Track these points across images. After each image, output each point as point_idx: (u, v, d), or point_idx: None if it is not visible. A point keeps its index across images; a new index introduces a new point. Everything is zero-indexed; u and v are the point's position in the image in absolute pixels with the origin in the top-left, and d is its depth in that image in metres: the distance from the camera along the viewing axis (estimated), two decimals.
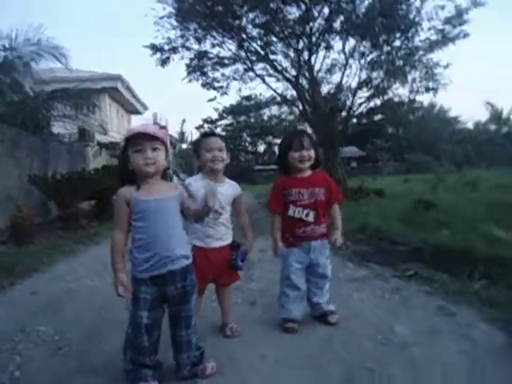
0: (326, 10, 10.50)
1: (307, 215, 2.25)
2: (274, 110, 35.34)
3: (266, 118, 38.24)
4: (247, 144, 41.33)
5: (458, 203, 6.29)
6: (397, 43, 10.75)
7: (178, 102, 56.33)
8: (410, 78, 11.86)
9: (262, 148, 41.91)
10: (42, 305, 3.03)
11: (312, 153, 2.28)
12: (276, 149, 41.97)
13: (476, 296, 2.52)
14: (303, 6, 10.37)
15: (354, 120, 14.92)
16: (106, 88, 17.86)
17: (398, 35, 10.32)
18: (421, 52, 11.02)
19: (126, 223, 1.65)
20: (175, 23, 10.22)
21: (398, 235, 4.60)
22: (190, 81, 11.59)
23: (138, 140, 1.60)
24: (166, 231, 1.62)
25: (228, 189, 2.19)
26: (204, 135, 2.26)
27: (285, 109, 28.18)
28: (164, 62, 10.58)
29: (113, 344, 2.15)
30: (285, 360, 1.88)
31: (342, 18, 10.61)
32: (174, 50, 10.55)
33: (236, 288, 2.98)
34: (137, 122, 24.21)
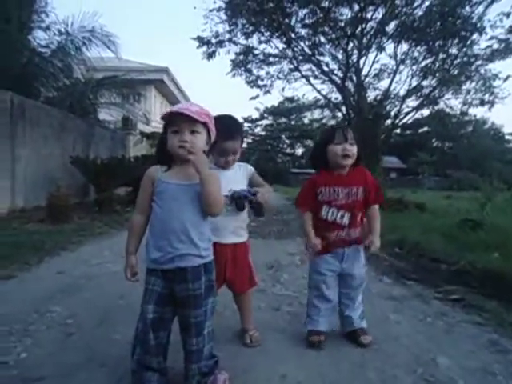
0: (381, 12, 10.08)
1: (342, 217, 1.98)
2: (316, 113, 34.82)
3: (306, 121, 37.83)
4: (285, 146, 41.07)
5: (510, 225, 5.74)
6: (454, 50, 10.15)
7: (221, 98, 57.12)
8: (464, 88, 11.20)
9: (299, 151, 41.52)
10: (63, 286, 2.99)
11: (355, 149, 1.99)
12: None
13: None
14: (356, 7, 10.02)
15: (398, 130, 14.28)
16: (152, 79, 18.30)
17: (456, 41, 9.71)
18: (479, 62, 10.33)
19: (146, 204, 1.52)
20: (224, 17, 10.20)
21: (440, 253, 4.22)
22: (234, 75, 11.55)
23: (176, 120, 1.45)
24: (180, 221, 1.45)
25: (237, 172, 1.95)
26: (220, 131, 1.64)
27: (327, 113, 27.64)
28: (210, 56, 10.59)
29: (125, 335, 2.02)
30: None
31: (396, 21, 10.15)
32: (220, 43, 10.53)
33: (260, 291, 2.80)
34: None
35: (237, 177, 1.94)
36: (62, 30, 9.14)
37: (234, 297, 2.08)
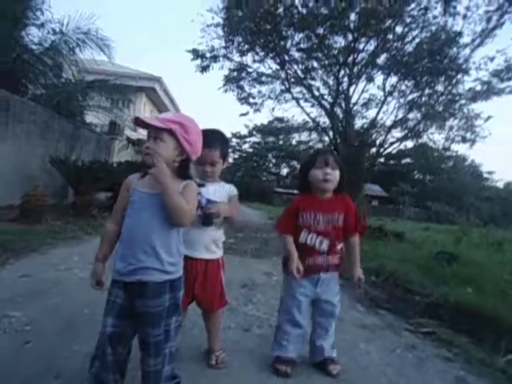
0: (373, 44, 10.40)
1: (321, 243, 1.95)
2: (304, 135, 35.28)
3: (294, 142, 38.26)
4: (271, 165, 41.34)
5: (484, 261, 5.85)
6: (440, 87, 10.50)
7: (212, 112, 57.43)
8: (448, 124, 11.57)
9: (284, 171, 41.83)
10: (26, 290, 2.85)
11: (337, 174, 1.97)
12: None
13: (501, 373, 2.17)
14: (350, 37, 10.31)
15: (382, 159, 14.59)
16: (144, 87, 18.26)
17: (442, 79, 10.07)
18: (463, 101, 10.73)
19: (120, 212, 1.48)
20: (221, 33, 10.33)
21: (415, 284, 4.24)
22: (226, 91, 11.62)
23: (147, 128, 1.46)
24: (146, 231, 1.39)
25: (220, 189, 1.92)
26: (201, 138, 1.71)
27: (314, 136, 28.07)
28: (204, 69, 10.65)
29: (85, 345, 1.93)
30: None
31: (387, 54, 10.49)
32: (215, 58, 10.63)
33: (231, 309, 2.73)
34: None
35: (217, 194, 1.89)
36: (57, 29, 9.08)
37: (203, 315, 2.01)
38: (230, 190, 1.96)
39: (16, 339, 2.02)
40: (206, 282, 1.87)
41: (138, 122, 1.44)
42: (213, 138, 1.88)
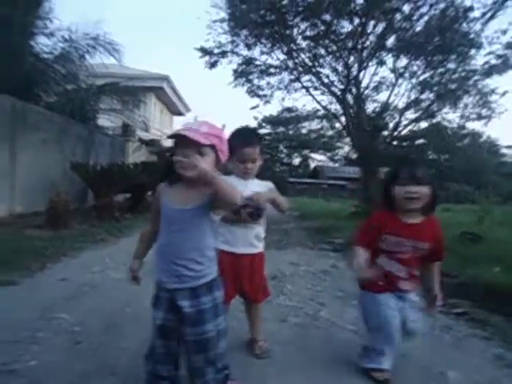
0: (380, 27, 10.24)
1: (399, 271, 1.78)
2: (314, 124, 35.03)
3: (304, 131, 38.02)
4: (283, 155, 41.20)
5: (509, 239, 5.78)
6: (452, 65, 10.29)
7: (220, 107, 57.39)
8: (462, 103, 11.35)
9: (297, 161, 41.67)
10: (68, 293, 2.98)
11: (426, 190, 1.71)
12: (311, 162, 41.83)
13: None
14: (357, 21, 10.17)
15: (395, 142, 14.38)
16: (152, 87, 18.35)
17: (454, 56, 9.87)
18: (477, 76, 10.49)
19: (155, 219, 1.53)
20: (227, 28, 10.31)
21: (442, 266, 4.25)
22: (236, 86, 11.64)
23: (183, 142, 1.39)
24: (181, 250, 1.44)
25: (257, 185, 1.95)
26: (239, 139, 1.85)
27: (324, 123, 27.82)
28: (212, 65, 10.68)
29: (133, 342, 2.03)
30: None
31: (395, 35, 10.32)
32: (223, 54, 10.63)
33: (266, 301, 2.80)
34: (178, 122, 24.76)
35: (255, 189, 1.92)
36: (66, 36, 9.19)
37: (246, 306, 2.09)
38: (267, 185, 2.00)
39: (68, 340, 2.13)
40: (253, 275, 1.95)
41: (179, 138, 1.41)
42: (251, 135, 1.95)
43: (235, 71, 11.24)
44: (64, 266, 3.92)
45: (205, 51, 10.45)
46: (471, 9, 9.10)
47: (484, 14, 9.10)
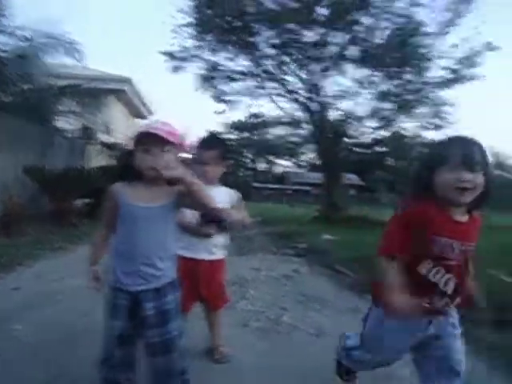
0: (342, 38, 10.63)
1: (447, 283, 1.33)
2: (279, 130, 35.44)
3: (269, 137, 38.39)
4: (248, 160, 41.36)
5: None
6: (408, 77, 10.86)
7: (186, 112, 56.72)
8: (418, 112, 11.98)
9: (262, 166, 41.96)
10: (22, 303, 2.86)
11: (480, 179, 1.28)
12: (276, 169, 42.33)
13: (482, 343, 2.37)
14: (320, 30, 10.50)
15: (358, 149, 14.93)
16: (114, 89, 17.86)
17: (408, 69, 10.43)
18: (430, 88, 11.13)
19: (111, 221, 1.50)
20: (194, 33, 10.30)
21: None
22: (197, 90, 11.63)
23: (148, 140, 1.42)
24: (145, 247, 1.44)
25: (222, 193, 1.95)
26: (200, 142, 1.93)
27: (289, 130, 28.26)
28: (177, 70, 10.61)
29: (91, 351, 1.97)
30: None
31: (356, 47, 10.74)
32: (188, 58, 10.59)
33: (227, 307, 2.82)
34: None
35: (219, 197, 1.87)
36: (27, 35, 8.80)
37: (205, 313, 2.11)
38: (233, 195, 2.01)
39: (25, 350, 2.06)
40: (211, 281, 1.97)
41: (144, 137, 1.42)
42: (212, 139, 2.04)
43: (201, 76, 11.24)
44: (18, 275, 3.75)
45: (170, 55, 10.37)
46: (423, 24, 9.69)
47: (439, 29, 9.72)
